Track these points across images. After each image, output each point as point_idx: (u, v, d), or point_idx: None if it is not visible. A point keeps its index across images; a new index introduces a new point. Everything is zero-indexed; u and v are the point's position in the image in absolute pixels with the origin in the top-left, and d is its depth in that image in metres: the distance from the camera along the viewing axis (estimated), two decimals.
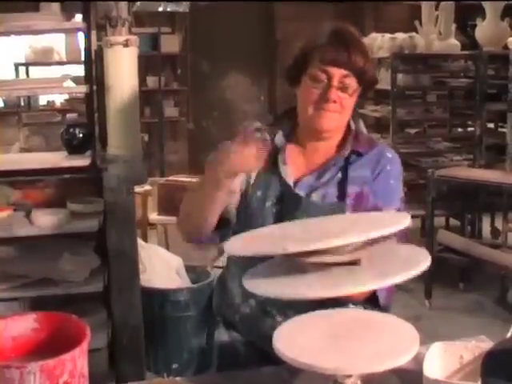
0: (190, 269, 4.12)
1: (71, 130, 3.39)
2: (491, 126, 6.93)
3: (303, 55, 1.88)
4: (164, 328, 3.81)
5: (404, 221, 1.45)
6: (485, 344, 1.61)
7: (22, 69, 7.42)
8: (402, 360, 1.38)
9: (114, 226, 3.22)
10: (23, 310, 3.09)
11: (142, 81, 7.46)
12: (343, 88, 1.84)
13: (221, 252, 4.34)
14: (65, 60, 7.34)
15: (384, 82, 6.37)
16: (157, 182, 5.43)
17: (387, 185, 1.92)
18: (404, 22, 7.68)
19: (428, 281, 4.99)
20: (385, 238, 1.43)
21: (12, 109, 7.36)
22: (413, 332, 1.47)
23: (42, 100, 7.94)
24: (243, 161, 1.72)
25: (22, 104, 7.47)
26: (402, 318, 1.49)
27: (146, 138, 7.49)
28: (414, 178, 5.87)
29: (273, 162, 1.95)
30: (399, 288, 1.97)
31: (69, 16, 3.35)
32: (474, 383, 1.44)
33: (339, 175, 1.92)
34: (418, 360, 1.51)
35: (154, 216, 5.25)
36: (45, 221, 3.10)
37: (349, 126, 1.98)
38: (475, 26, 6.73)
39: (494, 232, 6.50)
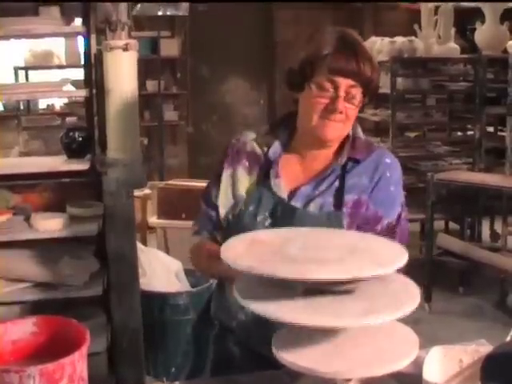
0: (189, 272, 4.11)
1: (71, 133, 3.39)
2: (491, 129, 6.94)
3: (309, 63, 1.84)
4: (163, 332, 3.81)
5: (401, 259, 1.42)
6: (484, 348, 1.61)
7: (21, 72, 7.43)
8: (402, 364, 1.38)
9: (114, 229, 3.22)
10: (23, 313, 3.09)
11: (142, 84, 7.47)
12: (350, 98, 1.82)
13: None
14: (64, 64, 7.34)
15: (383, 85, 6.37)
16: (156, 186, 5.43)
17: (387, 192, 1.90)
18: (403, 25, 7.69)
19: (427, 284, 4.99)
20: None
21: (11, 112, 7.36)
22: (412, 336, 1.47)
23: (42, 104, 7.94)
24: None
25: (22, 108, 7.48)
26: (402, 321, 1.49)
27: (146, 141, 7.49)
28: (414, 181, 5.87)
29: (264, 175, 1.94)
30: None
31: (68, 20, 3.36)
32: None
33: (336, 184, 1.90)
34: (418, 364, 1.51)
35: (153, 220, 5.25)
36: (44, 225, 3.10)
37: None
38: (474, 29, 6.74)
39: (494, 235, 6.49)
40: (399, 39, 6.46)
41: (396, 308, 1.38)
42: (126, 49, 3.08)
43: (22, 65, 7.36)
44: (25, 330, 1.55)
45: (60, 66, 7.36)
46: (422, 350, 1.48)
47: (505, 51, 6.46)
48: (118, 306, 3.25)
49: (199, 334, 2.16)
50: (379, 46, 6.67)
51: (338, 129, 1.85)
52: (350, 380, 1.41)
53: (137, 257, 3.34)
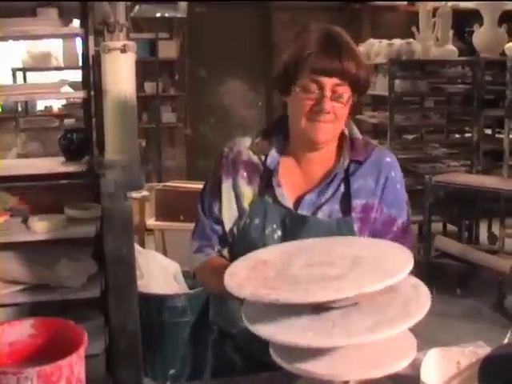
0: (187, 274, 4.11)
1: (69, 135, 3.38)
2: (488, 131, 6.95)
3: (293, 64, 1.79)
4: (161, 334, 3.80)
5: (407, 265, 1.42)
6: (482, 350, 1.61)
7: (19, 74, 7.42)
8: (400, 366, 1.38)
9: (112, 231, 3.21)
10: (20, 315, 3.09)
11: (140, 86, 7.47)
12: (337, 97, 1.76)
13: None
14: (62, 65, 7.33)
15: (381, 87, 6.40)
16: (154, 188, 5.42)
17: (396, 192, 1.89)
18: (401, 28, 7.70)
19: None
20: None
21: (9, 114, 7.35)
22: (410, 338, 1.47)
23: (40, 105, 7.94)
24: None
25: (20, 109, 7.46)
26: None
27: (144, 143, 7.50)
28: (412, 183, 5.87)
29: (266, 185, 1.89)
30: None
31: (66, 21, 3.36)
32: None
33: (342, 189, 1.86)
34: (416, 366, 1.50)
35: (151, 222, 5.25)
36: (42, 226, 3.09)
37: (342, 132, 1.91)
38: (472, 32, 6.75)
39: (492, 238, 6.50)
40: (397, 41, 6.48)
41: (406, 317, 1.38)
42: (123, 50, 3.08)
43: (20, 66, 7.35)
44: (22, 331, 1.55)
45: (58, 68, 7.35)
46: (419, 352, 1.48)
47: (503, 53, 6.47)
48: (116, 308, 3.25)
49: (197, 337, 2.14)
50: (377, 48, 6.68)
51: (328, 130, 1.80)
52: (347, 382, 1.41)
53: (135, 259, 3.34)
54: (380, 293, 1.39)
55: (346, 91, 1.77)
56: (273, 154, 1.90)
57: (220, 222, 1.92)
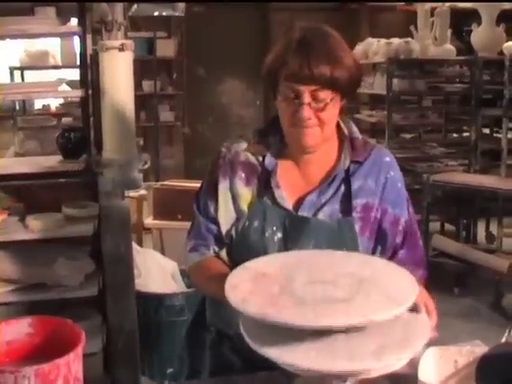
0: (185, 273, 4.11)
1: (66, 134, 3.39)
2: (486, 131, 6.95)
3: (272, 72, 1.76)
4: (159, 332, 3.80)
5: (412, 294, 1.42)
6: (479, 349, 1.61)
7: (17, 73, 7.41)
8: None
9: (109, 230, 3.21)
10: (18, 314, 3.09)
11: (138, 85, 7.46)
12: (318, 102, 1.71)
13: None
14: (60, 64, 7.32)
15: (379, 87, 6.40)
16: (152, 187, 5.42)
17: (397, 191, 1.88)
18: (399, 27, 7.71)
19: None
20: None
21: (7, 113, 7.34)
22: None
23: (38, 104, 7.93)
24: None
25: (17, 108, 7.45)
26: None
27: (142, 142, 7.49)
28: (410, 183, 5.86)
29: (264, 187, 1.86)
30: None
31: (64, 20, 3.35)
32: None
33: (342, 189, 1.84)
34: (413, 364, 1.51)
35: (149, 220, 5.24)
36: (39, 225, 3.09)
37: (340, 130, 1.89)
38: (471, 31, 6.75)
39: (489, 237, 6.50)
40: (395, 40, 6.48)
41: (409, 342, 1.38)
42: (121, 49, 3.08)
43: (18, 65, 7.34)
44: (20, 330, 1.55)
45: (56, 67, 7.34)
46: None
47: (501, 53, 6.47)
48: (114, 307, 3.25)
49: (194, 336, 2.12)
50: (375, 47, 6.69)
51: (315, 134, 1.76)
52: (345, 380, 1.41)
53: (132, 257, 3.34)
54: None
55: (327, 95, 1.71)
56: (271, 155, 1.87)
57: (216, 222, 1.90)
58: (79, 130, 3.47)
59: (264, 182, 1.86)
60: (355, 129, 1.92)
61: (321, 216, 1.82)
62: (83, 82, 3.39)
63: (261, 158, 1.88)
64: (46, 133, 6.67)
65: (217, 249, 1.92)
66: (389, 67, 6.03)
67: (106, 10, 3.09)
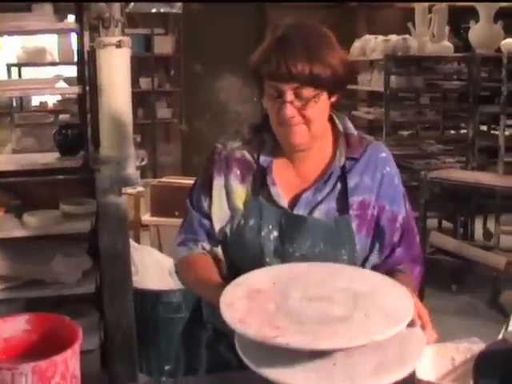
0: None
1: (64, 130, 3.38)
2: (484, 128, 6.96)
3: (255, 71, 1.76)
4: (156, 329, 3.80)
5: (409, 310, 1.44)
6: (477, 346, 1.61)
7: (14, 69, 7.39)
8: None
9: (107, 227, 3.21)
10: (15, 311, 3.09)
11: (135, 82, 7.46)
12: (302, 100, 1.69)
13: None
14: (57, 61, 7.31)
15: (377, 84, 6.40)
16: (149, 184, 5.42)
17: (394, 187, 1.86)
18: (397, 24, 7.70)
19: (420, 287, 4.99)
20: None
21: (4, 110, 7.32)
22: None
23: (35, 101, 7.91)
24: None
25: (15, 105, 7.44)
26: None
27: (139, 139, 7.48)
28: (407, 179, 5.87)
29: (260, 185, 1.84)
30: None
31: (61, 17, 3.35)
32: None
33: (338, 186, 1.82)
34: None
35: (146, 217, 5.24)
36: (36, 222, 3.09)
37: (335, 126, 1.88)
38: (468, 28, 6.76)
39: (487, 234, 6.51)
40: (393, 37, 6.48)
41: (406, 359, 1.39)
42: (119, 46, 3.08)
43: (15, 61, 7.33)
44: (17, 327, 1.54)
45: (53, 63, 7.33)
46: None
47: (498, 50, 6.48)
48: (111, 304, 3.25)
49: (190, 334, 2.12)
50: (373, 44, 6.68)
51: (302, 133, 1.74)
52: None
53: (130, 254, 3.34)
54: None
55: (309, 93, 1.69)
56: (266, 152, 1.86)
57: (209, 218, 1.89)
58: (76, 126, 3.47)
59: (259, 180, 1.85)
60: (350, 125, 1.90)
61: (317, 214, 1.80)
62: (80, 79, 3.39)
63: (256, 155, 1.87)
64: (44, 130, 6.66)
65: (206, 245, 1.90)
66: (386, 64, 6.03)
67: (104, 6, 3.09)
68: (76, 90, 3.39)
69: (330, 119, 1.87)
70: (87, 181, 3.26)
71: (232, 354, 1.92)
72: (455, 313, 4.91)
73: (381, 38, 6.60)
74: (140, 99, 7.80)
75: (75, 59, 3.56)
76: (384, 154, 1.88)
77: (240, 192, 1.86)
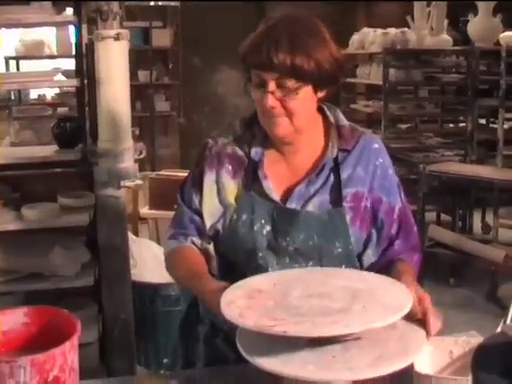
0: None
1: (62, 123, 3.38)
2: (483, 121, 6.95)
3: (243, 60, 1.76)
4: (154, 322, 3.80)
5: (408, 302, 1.43)
6: (475, 339, 1.61)
7: (12, 62, 7.39)
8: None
9: (105, 220, 3.21)
10: (13, 304, 3.09)
11: (133, 75, 7.43)
12: (285, 91, 1.69)
13: None
14: (55, 54, 7.30)
15: (376, 77, 6.40)
16: (148, 177, 5.42)
17: (388, 178, 1.85)
18: (396, 17, 7.69)
19: (418, 276, 4.99)
20: None
21: (2, 103, 7.30)
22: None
23: (33, 94, 7.91)
24: None
25: (13, 98, 7.43)
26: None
27: (137, 132, 7.47)
28: (406, 173, 5.88)
29: (252, 179, 1.83)
30: None
31: (60, 9, 3.34)
32: (464, 377, 1.44)
33: (331, 179, 1.81)
34: None
35: (145, 210, 5.25)
36: (35, 215, 3.09)
37: (326, 118, 1.86)
38: (467, 21, 6.75)
39: (485, 227, 6.52)
40: (392, 31, 6.47)
41: (405, 354, 1.38)
42: (117, 38, 3.07)
43: (13, 54, 7.32)
44: (16, 320, 1.55)
45: (51, 56, 7.32)
46: None
47: (497, 43, 6.46)
48: (109, 297, 3.25)
49: (187, 328, 2.11)
50: (372, 37, 6.68)
51: (285, 125, 1.73)
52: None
53: (128, 247, 3.34)
54: (378, 327, 1.39)
55: (292, 84, 1.68)
56: (256, 145, 1.85)
57: (199, 214, 1.88)
58: (75, 119, 3.46)
59: (251, 174, 1.84)
60: (342, 116, 1.88)
61: (310, 207, 1.79)
62: (78, 72, 3.38)
63: (247, 150, 1.86)
64: (42, 123, 6.66)
65: (196, 240, 1.89)
66: (385, 57, 6.02)
67: None
68: (74, 82, 3.39)
69: (321, 111, 1.87)
70: (85, 174, 3.26)
71: (229, 348, 1.92)
72: (453, 306, 4.91)
73: (380, 31, 6.60)
74: (138, 92, 7.80)
75: (73, 52, 3.56)
76: (376, 145, 1.87)
77: (232, 187, 1.85)
